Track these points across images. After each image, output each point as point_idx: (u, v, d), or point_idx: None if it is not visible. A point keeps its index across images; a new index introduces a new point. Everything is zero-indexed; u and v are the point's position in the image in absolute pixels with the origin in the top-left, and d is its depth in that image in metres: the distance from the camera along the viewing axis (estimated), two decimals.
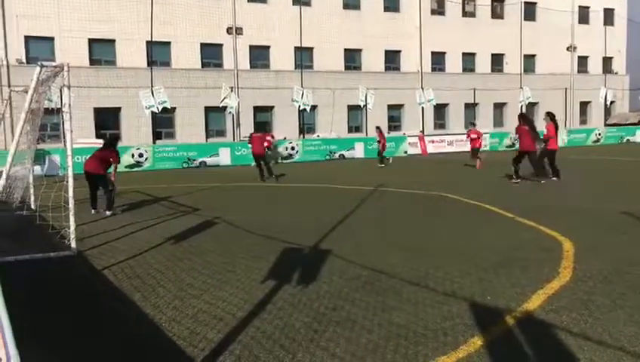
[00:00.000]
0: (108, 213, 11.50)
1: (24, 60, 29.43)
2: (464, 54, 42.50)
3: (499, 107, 43.05)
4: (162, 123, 32.12)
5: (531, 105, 40.42)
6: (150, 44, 30.77)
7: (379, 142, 24.58)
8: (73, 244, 7.86)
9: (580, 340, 4.23)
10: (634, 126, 40.77)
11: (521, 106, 37.19)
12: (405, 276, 6.16)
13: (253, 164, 19.67)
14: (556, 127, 15.73)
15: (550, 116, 15.40)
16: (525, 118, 15.90)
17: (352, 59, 38.90)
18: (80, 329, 4.91)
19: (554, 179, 15.08)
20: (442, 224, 9.55)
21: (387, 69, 39.78)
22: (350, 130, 37.89)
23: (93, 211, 11.64)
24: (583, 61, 46.84)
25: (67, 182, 7.95)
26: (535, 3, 43.77)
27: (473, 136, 23.48)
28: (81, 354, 4.38)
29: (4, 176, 7.18)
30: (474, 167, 21.48)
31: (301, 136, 33.30)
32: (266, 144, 18.89)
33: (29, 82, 7.54)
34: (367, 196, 13.23)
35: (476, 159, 21.77)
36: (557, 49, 44.49)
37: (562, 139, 36.15)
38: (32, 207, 11.50)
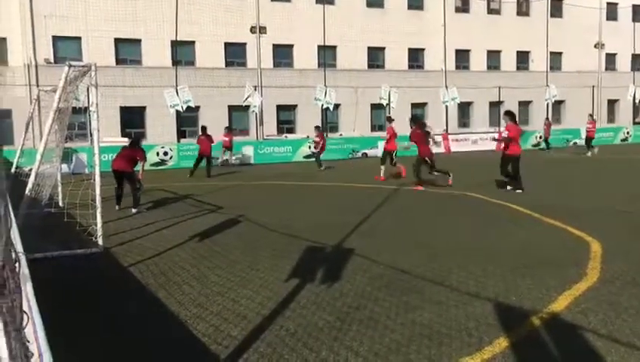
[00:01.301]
0: (134, 210, 11.65)
1: (52, 60, 29.91)
2: (489, 52, 42.00)
3: (524, 105, 42.46)
4: (186, 122, 32.35)
5: (557, 104, 39.83)
6: (175, 43, 31.02)
7: (317, 143, 22.95)
8: (100, 241, 7.98)
9: (607, 342, 4.16)
10: None
11: (547, 105, 36.68)
12: (428, 275, 6.13)
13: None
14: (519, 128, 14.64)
15: (510, 116, 13.41)
16: (418, 122, 15.09)
17: (375, 57, 38.73)
18: (107, 326, 4.99)
19: (510, 189, 13.10)
20: (466, 223, 9.47)
21: (411, 67, 39.51)
22: (373, 129, 37.75)
23: (117, 208, 11.83)
24: (611, 58, 45.97)
25: (94, 180, 8.07)
26: (562, 0, 43.11)
27: (589, 125, 26.16)
28: (108, 351, 4.45)
29: (33, 173, 7.33)
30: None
31: (325, 134, 33.29)
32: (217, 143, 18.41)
33: (57, 82, 7.67)
34: (389, 195, 13.18)
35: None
36: (584, 46, 43.73)
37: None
38: (60, 204, 11.70)
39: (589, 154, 25.41)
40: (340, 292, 5.60)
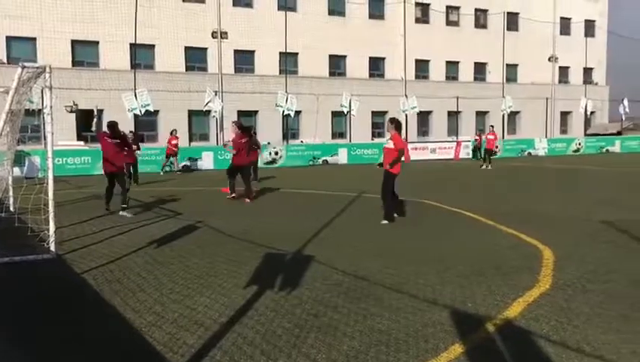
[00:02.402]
0: (123, 213, 11.61)
1: (5, 60, 29.07)
2: (448, 62, 42.86)
3: (481, 115, 43.43)
4: (145, 126, 31.88)
5: (513, 114, 40.85)
6: (134, 46, 30.57)
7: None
8: (52, 247, 7.76)
9: (559, 348, 4.27)
10: (613, 136, 41.38)
11: (503, 115, 37.58)
12: (387, 282, 6.17)
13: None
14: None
15: (395, 124, 10.34)
16: (245, 128, 14.82)
17: (336, 65, 39.02)
18: (58, 334, 4.84)
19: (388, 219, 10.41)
20: (424, 231, 9.60)
21: (371, 75, 39.96)
22: (334, 136, 37.96)
23: (107, 210, 11.89)
24: (564, 71, 47.47)
25: (47, 184, 7.86)
26: (517, 13, 44.29)
27: (490, 137, 25.31)
28: (61, 360, 4.32)
29: None
30: (486, 168, 22.68)
31: (285, 141, 33.27)
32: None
33: (9, 83, 7.45)
34: (350, 202, 13.25)
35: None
36: (539, 59, 45.04)
37: (543, 148, 36.65)
38: (11, 209, 11.34)
39: (485, 166, 25.01)
40: (298, 299, 5.59)
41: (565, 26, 47.02)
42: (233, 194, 14.23)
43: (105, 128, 12.10)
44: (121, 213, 11.56)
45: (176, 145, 24.81)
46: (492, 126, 27.10)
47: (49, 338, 4.73)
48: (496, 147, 34.92)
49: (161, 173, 23.75)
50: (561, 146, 37.97)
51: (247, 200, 13.88)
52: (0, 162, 10.83)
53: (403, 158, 10.39)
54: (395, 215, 10.56)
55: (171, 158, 24.90)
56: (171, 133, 25.08)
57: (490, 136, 25.81)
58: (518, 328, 4.74)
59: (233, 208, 12.94)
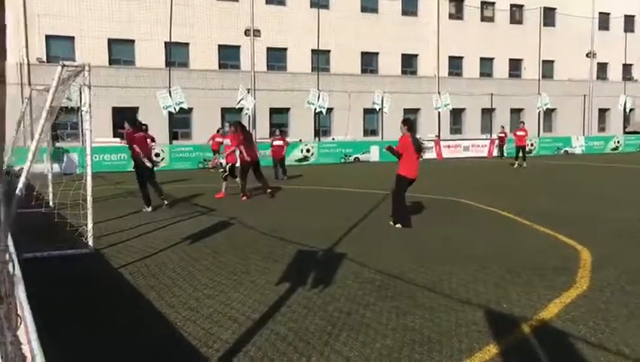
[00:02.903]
0: (165, 203, 12.27)
1: (44, 59, 29.77)
2: (482, 59, 42.24)
3: (516, 113, 42.72)
4: (179, 123, 32.30)
5: (549, 112, 40.08)
6: (169, 44, 30.96)
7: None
8: (90, 242, 7.93)
9: (597, 350, 4.19)
10: None
11: (539, 112, 36.91)
12: (420, 281, 6.14)
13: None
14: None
15: (407, 126, 9.85)
16: (242, 127, 14.68)
17: (368, 62, 38.84)
18: (97, 328, 4.96)
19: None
20: (457, 230, 9.50)
21: (404, 72, 39.66)
22: (366, 134, 37.82)
23: (149, 209, 12.00)
24: (602, 67, 46.34)
25: (85, 180, 8.03)
26: (554, 9, 43.39)
27: (520, 133, 24.35)
28: (98, 353, 4.43)
29: (24, 173, 7.28)
30: (520, 167, 22.48)
31: (316, 138, 33.31)
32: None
33: (49, 81, 7.63)
34: (381, 200, 13.20)
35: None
36: (576, 55, 44.06)
37: (580, 146, 35.87)
38: (51, 204, 11.63)
39: (517, 165, 24.16)
40: (331, 296, 5.60)
41: (604, 21, 45.87)
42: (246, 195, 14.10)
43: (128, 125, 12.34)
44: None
45: (220, 144, 24.38)
46: (522, 122, 26.31)
47: (86, 331, 4.84)
48: (531, 144, 34.41)
49: (212, 170, 23.64)
50: (599, 144, 37.09)
51: (245, 197, 13.95)
52: (40, 159, 11.12)
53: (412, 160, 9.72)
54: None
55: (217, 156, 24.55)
56: (217, 131, 25.00)
57: (520, 133, 24.80)
58: (555, 329, 4.67)
59: (265, 205, 13.02)
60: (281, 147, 20.04)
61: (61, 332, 4.74)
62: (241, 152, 14.17)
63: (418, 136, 10.11)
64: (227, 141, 14.99)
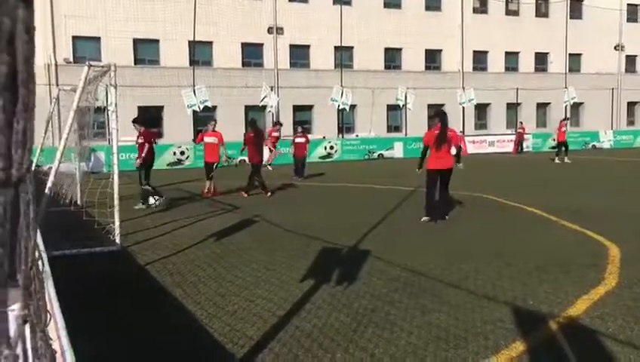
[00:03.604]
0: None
1: (71, 60, 30.24)
2: (507, 53, 41.70)
3: (542, 107, 42.10)
4: (203, 121, 32.48)
5: (576, 106, 39.42)
6: (192, 43, 31.19)
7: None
8: (118, 240, 8.05)
9: (626, 348, 4.12)
10: None
11: (566, 106, 36.33)
12: (445, 278, 6.10)
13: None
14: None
15: (439, 117, 10.04)
16: (254, 125, 14.82)
17: (392, 58, 38.63)
18: (125, 324, 5.03)
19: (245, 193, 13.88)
20: (482, 226, 9.41)
21: (427, 68, 39.36)
22: (389, 130, 37.66)
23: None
24: (631, 60, 45.37)
25: (112, 179, 8.15)
26: (581, 1, 42.64)
27: (563, 129, 23.89)
28: (124, 349, 4.50)
29: (53, 172, 7.42)
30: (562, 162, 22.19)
31: (340, 135, 33.27)
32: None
33: (76, 81, 7.76)
34: (406, 196, 13.14)
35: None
36: (604, 48, 43.21)
37: (609, 140, 35.22)
38: (79, 203, 11.82)
39: (559, 160, 23.71)
40: (355, 293, 5.60)
41: (632, 12, 44.88)
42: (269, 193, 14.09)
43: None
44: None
45: (277, 138, 24.02)
46: (567, 118, 25.79)
47: (112, 328, 4.92)
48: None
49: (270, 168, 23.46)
50: (628, 138, 36.36)
51: (245, 194, 14.09)
52: (69, 158, 11.30)
53: (451, 153, 9.85)
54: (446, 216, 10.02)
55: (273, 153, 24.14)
56: (273, 126, 24.79)
57: (563, 128, 24.35)
58: (583, 327, 4.60)
59: (290, 202, 13.06)
60: (304, 144, 19.22)
61: (89, 328, 4.82)
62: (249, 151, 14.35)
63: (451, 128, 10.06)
64: (210, 139, 14.37)
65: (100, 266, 7.19)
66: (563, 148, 23.90)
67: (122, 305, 5.60)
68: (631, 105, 44.66)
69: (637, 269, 6.24)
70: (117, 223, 8.06)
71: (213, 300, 5.52)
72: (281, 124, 24.81)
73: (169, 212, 11.64)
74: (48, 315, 1.75)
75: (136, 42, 32.22)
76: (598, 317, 4.77)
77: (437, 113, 10.39)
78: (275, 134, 23.52)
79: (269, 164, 22.09)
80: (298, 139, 18.97)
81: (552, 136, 32.21)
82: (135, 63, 32.00)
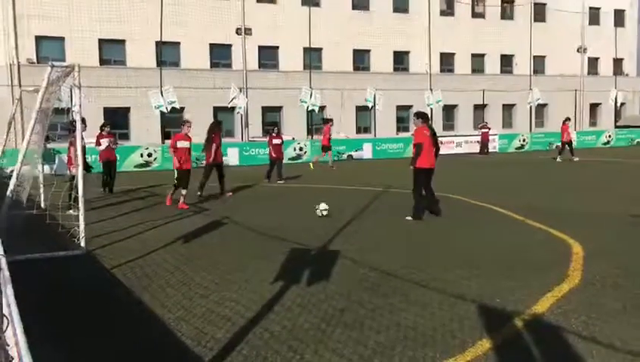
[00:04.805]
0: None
1: (35, 60, 29.61)
2: (473, 55, 42.30)
3: (508, 108, 42.83)
4: (171, 123, 32.20)
5: (541, 107, 40.20)
6: (160, 44, 30.83)
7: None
8: (83, 243, 7.90)
9: (589, 344, 4.21)
10: None
11: (530, 108, 37.01)
12: (413, 278, 6.15)
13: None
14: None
15: (421, 118, 10.50)
16: (218, 126, 14.75)
17: (360, 59, 38.83)
18: (89, 329, 4.94)
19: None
20: (450, 225, 9.52)
21: (396, 69, 39.68)
22: (359, 131, 37.82)
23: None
24: (593, 62, 46.49)
25: (77, 181, 8.00)
26: (545, 4, 43.50)
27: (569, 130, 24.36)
28: (90, 354, 4.41)
29: (14, 175, 7.25)
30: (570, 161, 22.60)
31: (309, 136, 33.28)
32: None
33: (39, 82, 7.59)
34: (375, 197, 13.21)
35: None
36: (567, 50, 44.18)
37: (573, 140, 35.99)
38: (42, 206, 11.56)
39: (568, 160, 23.89)
40: (325, 294, 5.60)
41: (594, 16, 46.02)
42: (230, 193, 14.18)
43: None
44: None
45: (329, 139, 23.48)
46: (568, 118, 25.93)
47: (78, 333, 4.82)
48: (523, 140, 34.61)
49: (331, 166, 23.06)
50: (591, 139, 37.23)
51: (230, 193, 14.18)
52: (31, 160, 11.04)
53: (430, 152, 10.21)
54: (430, 213, 10.30)
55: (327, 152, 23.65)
56: (326, 122, 24.20)
57: (569, 130, 24.76)
58: (547, 323, 4.69)
59: (258, 204, 13.00)
60: (281, 146, 18.66)
61: (52, 333, 4.72)
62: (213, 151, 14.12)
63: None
64: (184, 144, 12.86)
65: (64, 271, 7.05)
66: (567, 148, 24.33)
67: (86, 309, 5.49)
68: (593, 106, 45.74)
69: (599, 266, 6.38)
70: (82, 226, 7.91)
71: (181, 303, 5.46)
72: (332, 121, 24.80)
73: (136, 214, 11.48)
74: (5, 321, 1.71)
75: (102, 42, 31.71)
76: (562, 314, 4.87)
77: (420, 114, 10.66)
78: (328, 135, 23.33)
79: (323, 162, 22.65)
80: (275, 140, 18.52)
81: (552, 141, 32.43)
82: (101, 64, 31.50)
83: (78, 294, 6.05)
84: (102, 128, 15.30)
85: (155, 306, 5.39)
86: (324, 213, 10.46)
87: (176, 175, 12.67)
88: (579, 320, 4.70)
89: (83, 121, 12.05)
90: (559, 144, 25.49)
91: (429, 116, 14.51)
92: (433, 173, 10.31)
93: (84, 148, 11.96)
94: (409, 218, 10.01)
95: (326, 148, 23.42)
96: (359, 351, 4.18)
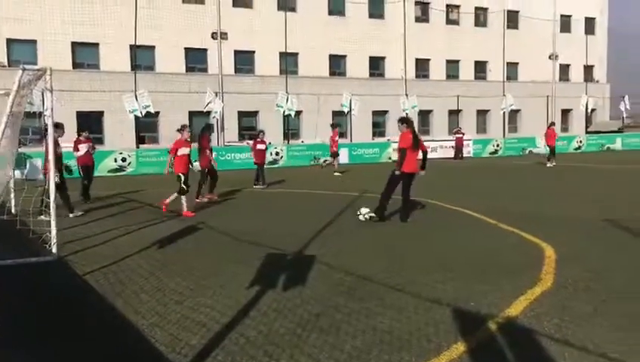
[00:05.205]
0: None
1: (6, 63, 29.09)
2: (448, 61, 42.82)
3: (482, 114, 43.40)
4: (146, 127, 31.90)
5: (514, 113, 40.79)
6: (134, 48, 30.56)
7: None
8: (54, 249, 7.77)
9: (562, 346, 4.27)
10: (614, 134, 41.30)
11: (504, 113, 37.49)
12: (389, 282, 6.17)
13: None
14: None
15: (405, 123, 10.65)
16: (205, 130, 14.68)
17: (336, 64, 39.00)
18: (60, 336, 4.85)
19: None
20: (425, 229, 9.59)
21: (372, 75, 39.93)
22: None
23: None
24: (564, 69, 47.38)
25: (48, 186, 7.87)
26: (517, 12, 44.23)
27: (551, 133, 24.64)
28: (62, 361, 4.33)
29: None
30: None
31: (286, 141, 33.26)
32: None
33: (10, 85, 7.45)
34: (351, 202, 13.24)
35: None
36: (539, 57, 44.96)
37: (545, 145, 36.54)
38: (13, 211, 11.34)
39: (550, 164, 24.34)
40: (300, 299, 5.59)
41: (565, 23, 46.93)
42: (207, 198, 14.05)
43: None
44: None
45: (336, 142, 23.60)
46: (553, 123, 26.31)
47: (50, 341, 4.73)
48: (497, 145, 35.07)
49: (327, 166, 23.17)
50: (563, 144, 37.81)
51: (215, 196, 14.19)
52: (1, 165, 10.83)
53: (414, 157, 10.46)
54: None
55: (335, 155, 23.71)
56: (334, 127, 24.27)
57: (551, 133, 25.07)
58: (521, 326, 4.74)
59: (234, 209, 12.94)
60: (264, 151, 18.44)
61: (22, 340, 4.62)
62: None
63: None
64: (186, 150, 12.51)
65: (35, 277, 6.91)
66: (549, 152, 24.74)
67: (57, 316, 5.39)
68: (565, 112, 46.59)
69: (571, 270, 6.49)
70: (53, 232, 7.77)
71: (156, 309, 5.39)
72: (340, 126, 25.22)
73: (109, 220, 11.33)
74: None
75: (75, 46, 31.34)
76: (535, 317, 4.93)
77: (404, 120, 10.86)
78: (336, 138, 23.36)
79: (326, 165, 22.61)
80: (259, 146, 18.18)
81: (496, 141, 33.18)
82: (74, 67, 31.12)
83: (49, 300, 5.94)
84: (80, 133, 15.05)
85: (128, 312, 5.32)
86: (367, 216, 10.33)
87: (182, 179, 12.11)
88: (551, 323, 4.76)
89: (61, 126, 11.90)
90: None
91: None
92: (414, 177, 10.54)
93: (61, 153, 11.83)
94: (372, 214, 10.25)
95: (335, 153, 23.52)
96: (335, 355, 4.18)
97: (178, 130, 12.72)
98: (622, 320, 4.80)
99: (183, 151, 12.30)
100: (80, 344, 4.66)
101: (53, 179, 7.89)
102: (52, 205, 7.83)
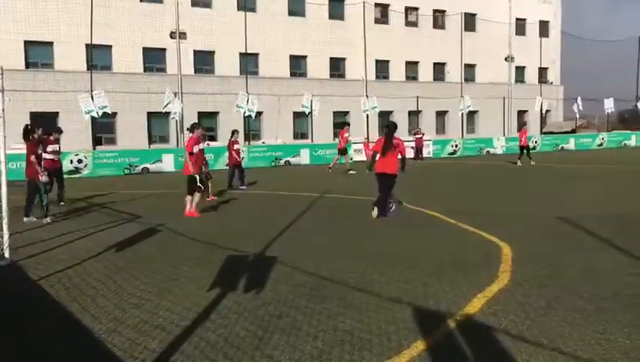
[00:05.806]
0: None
1: None
2: (407, 63, 43.34)
3: (441, 115, 44.06)
4: (102, 128, 31.27)
5: (471, 114, 41.57)
6: (90, 47, 29.89)
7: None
8: (7, 254, 7.53)
9: (517, 342, 4.36)
10: (568, 134, 42.49)
11: (462, 114, 38.17)
12: (350, 282, 6.20)
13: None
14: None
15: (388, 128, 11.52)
16: (197, 127, 14.00)
17: (297, 65, 39.01)
18: (13, 343, 4.70)
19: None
20: (386, 229, 9.68)
21: (332, 76, 40.10)
22: (296, 137, 37.93)
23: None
24: (520, 71, 48.54)
25: (0, 189, 7.63)
26: (475, 14, 45.07)
27: (523, 134, 25.35)
28: None
29: None
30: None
31: (246, 142, 33.09)
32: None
33: None
34: (312, 202, 13.26)
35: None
36: (496, 59, 45.93)
37: (502, 146, 37.36)
38: None
39: (519, 163, 24.96)
40: (262, 300, 5.57)
41: (521, 26, 48.08)
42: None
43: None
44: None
45: (347, 141, 23.52)
46: (525, 123, 27.00)
47: (2, 349, 4.58)
48: (456, 145, 35.64)
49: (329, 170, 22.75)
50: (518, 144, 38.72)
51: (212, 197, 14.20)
52: None
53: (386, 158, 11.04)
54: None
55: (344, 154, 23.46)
56: (342, 127, 24.18)
57: (523, 134, 25.80)
58: (478, 323, 4.83)
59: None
60: (238, 151, 17.93)
61: None
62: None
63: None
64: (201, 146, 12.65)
65: None
66: (525, 152, 25.43)
67: (10, 322, 5.23)
68: (521, 113, 47.69)
69: (527, 267, 6.64)
70: (6, 236, 7.54)
71: (113, 314, 5.29)
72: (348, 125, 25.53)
73: (65, 223, 11.06)
74: None
75: (28, 44, 30.49)
76: (492, 314, 5.03)
77: (386, 125, 11.74)
78: (346, 135, 23.14)
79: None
80: (237, 146, 17.80)
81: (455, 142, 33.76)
82: (26, 67, 30.30)
83: (0, 307, 5.75)
84: (49, 134, 14.59)
85: (84, 317, 5.20)
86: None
87: (197, 179, 11.84)
88: (508, 319, 4.87)
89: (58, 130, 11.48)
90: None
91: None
92: (387, 177, 10.96)
93: (40, 156, 11.42)
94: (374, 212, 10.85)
95: (344, 151, 23.53)
96: (296, 356, 4.18)
97: (188, 129, 12.83)
98: (575, 316, 4.94)
99: (200, 147, 12.41)
100: (32, 352, 4.52)
101: (4, 181, 7.63)
102: (4, 208, 7.59)
